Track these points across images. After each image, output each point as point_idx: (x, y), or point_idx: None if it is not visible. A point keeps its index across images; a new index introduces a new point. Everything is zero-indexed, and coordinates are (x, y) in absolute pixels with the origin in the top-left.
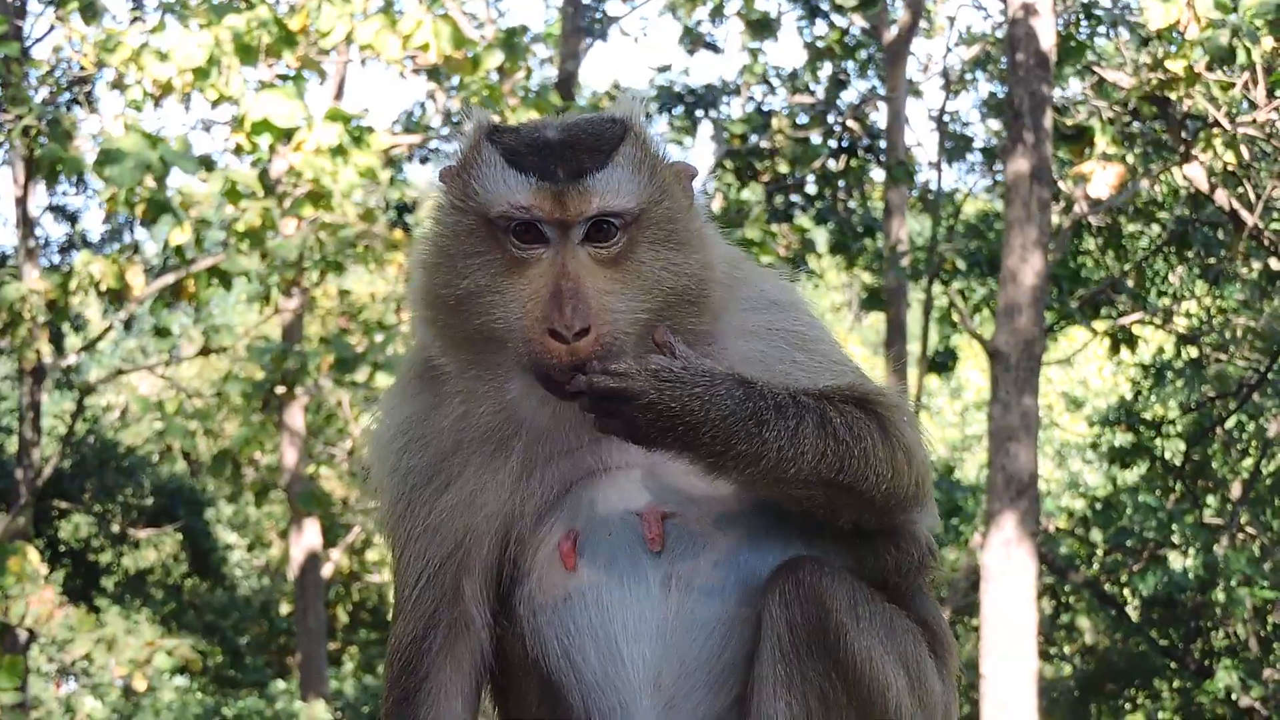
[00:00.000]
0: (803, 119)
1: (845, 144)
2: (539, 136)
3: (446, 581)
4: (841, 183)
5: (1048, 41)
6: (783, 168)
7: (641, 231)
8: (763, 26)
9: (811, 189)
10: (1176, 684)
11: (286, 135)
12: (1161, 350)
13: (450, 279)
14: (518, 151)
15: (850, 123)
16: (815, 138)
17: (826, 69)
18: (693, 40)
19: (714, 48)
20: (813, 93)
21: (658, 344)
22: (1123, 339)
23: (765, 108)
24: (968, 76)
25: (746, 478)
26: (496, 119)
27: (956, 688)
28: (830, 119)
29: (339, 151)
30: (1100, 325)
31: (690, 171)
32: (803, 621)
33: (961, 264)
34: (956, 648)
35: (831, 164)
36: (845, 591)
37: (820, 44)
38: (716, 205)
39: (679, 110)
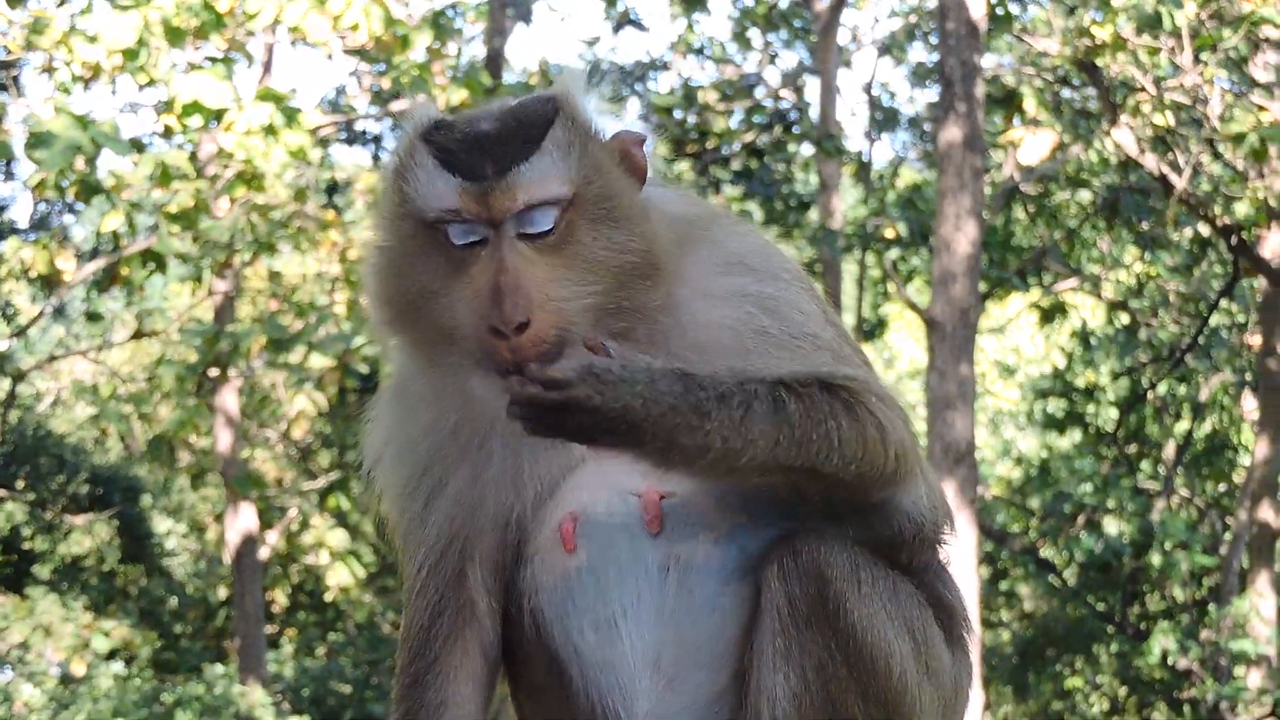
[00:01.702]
0: (733, 90)
1: (774, 117)
2: (471, 131)
3: (449, 570)
4: (772, 156)
5: (978, 10)
6: (711, 143)
7: (579, 214)
8: (694, 0)
9: (738, 164)
10: (1114, 648)
11: (216, 116)
12: (1084, 322)
13: (400, 283)
14: (448, 150)
15: (784, 93)
16: (743, 111)
17: (756, 41)
18: (619, 17)
19: (639, 25)
20: (738, 66)
21: (590, 347)
22: (1054, 309)
23: (693, 82)
24: (896, 44)
25: (696, 470)
26: (436, 114)
27: (969, 666)
28: (760, 92)
29: (270, 131)
30: (1034, 293)
31: (634, 139)
32: (801, 594)
33: (904, 230)
34: (974, 629)
35: (764, 137)
36: (845, 560)
37: (747, 17)
38: None
39: (607, 88)
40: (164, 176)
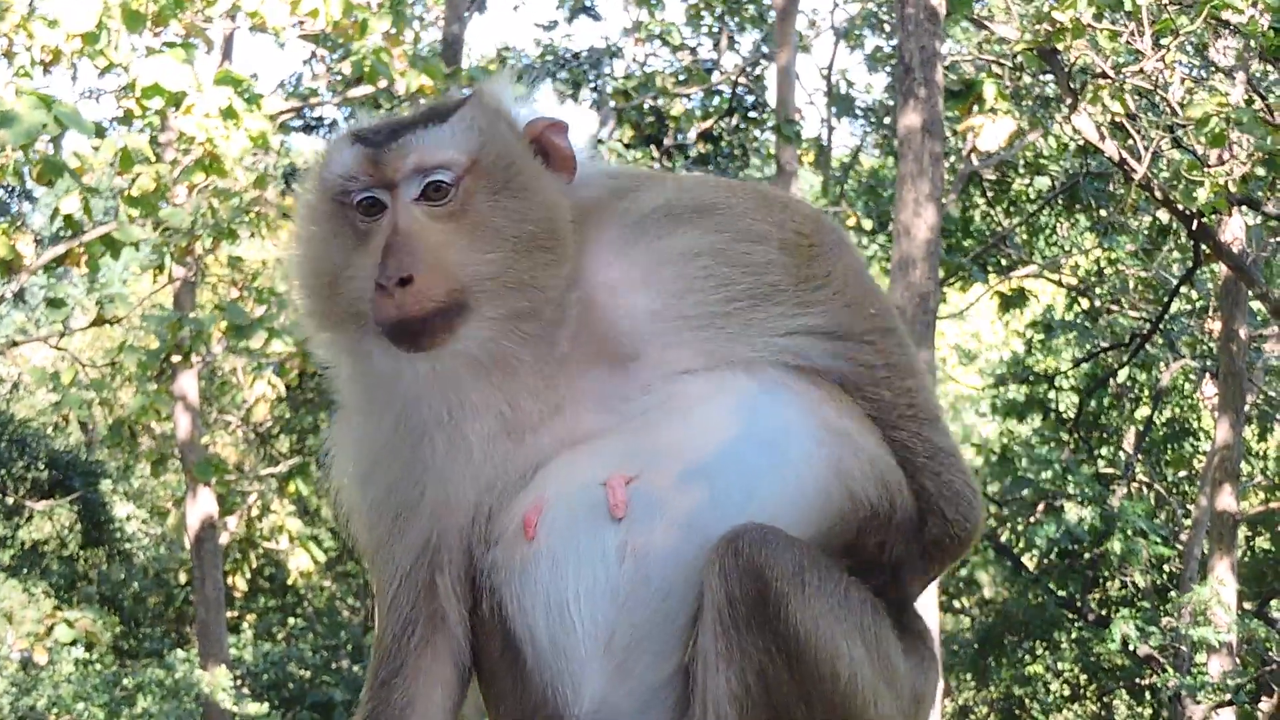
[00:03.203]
0: (689, 77)
1: (732, 103)
2: (391, 118)
3: (420, 582)
4: (729, 142)
5: None
6: (669, 127)
7: (478, 183)
8: None
9: (695, 151)
10: (1075, 635)
11: (176, 100)
12: (1051, 308)
13: (316, 266)
14: (361, 131)
15: (741, 80)
16: (700, 97)
17: (713, 28)
18: (574, 4)
19: (593, 14)
20: (693, 51)
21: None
22: (1014, 297)
23: (648, 68)
24: (856, 31)
25: None
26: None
27: (933, 681)
28: (716, 77)
29: (230, 114)
30: (993, 279)
31: (549, 124)
32: (741, 594)
33: (862, 214)
34: (933, 642)
35: (722, 123)
36: (790, 559)
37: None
38: None
39: (563, 75)
40: (125, 160)
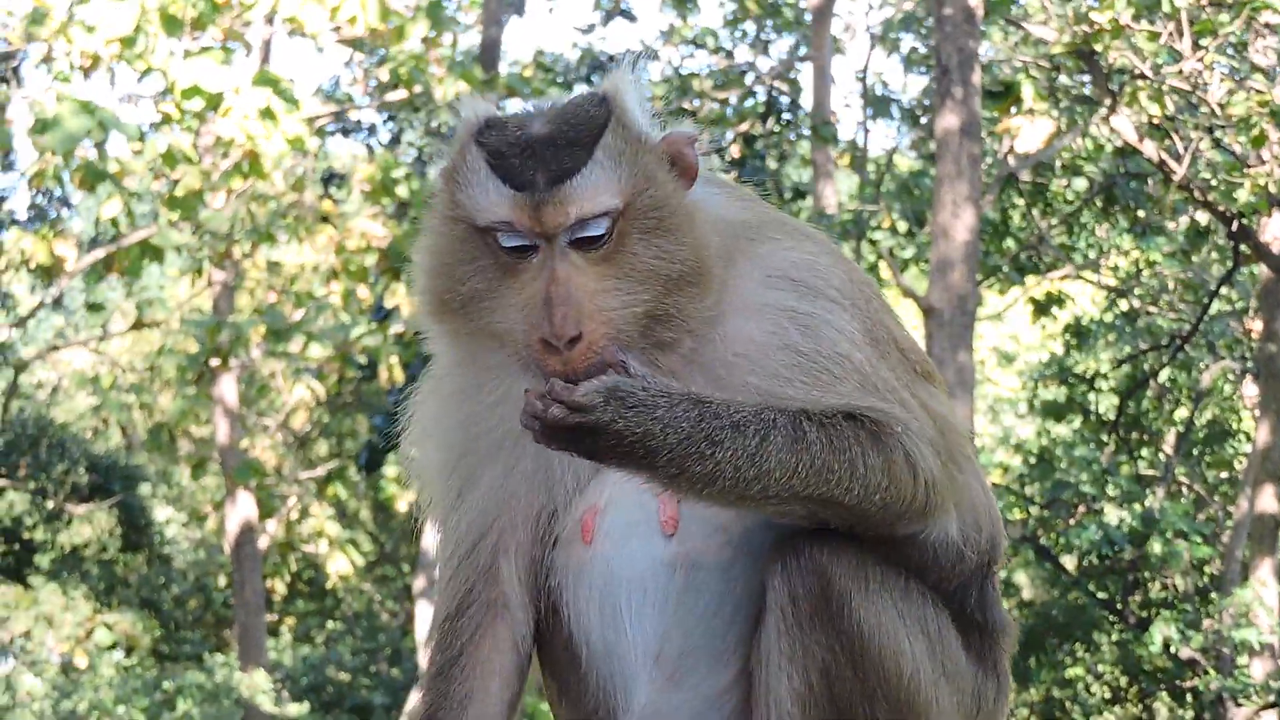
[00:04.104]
0: (726, 81)
1: (768, 106)
2: (522, 135)
3: (481, 562)
4: (765, 143)
5: None
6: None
7: (630, 223)
8: None
9: (729, 154)
10: (1115, 637)
11: (214, 103)
12: (1076, 318)
13: (451, 285)
14: (500, 154)
15: (777, 83)
16: (735, 100)
17: (749, 30)
18: (610, 7)
19: (629, 15)
20: (730, 55)
21: (609, 364)
22: (1049, 302)
23: (684, 71)
24: (892, 35)
25: (705, 498)
26: (488, 111)
27: (1003, 688)
28: (751, 80)
29: (268, 114)
30: (1031, 280)
31: (685, 139)
32: (804, 593)
33: (901, 224)
34: (1008, 644)
35: (758, 127)
36: (851, 558)
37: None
38: None
39: (598, 77)
40: (168, 158)
